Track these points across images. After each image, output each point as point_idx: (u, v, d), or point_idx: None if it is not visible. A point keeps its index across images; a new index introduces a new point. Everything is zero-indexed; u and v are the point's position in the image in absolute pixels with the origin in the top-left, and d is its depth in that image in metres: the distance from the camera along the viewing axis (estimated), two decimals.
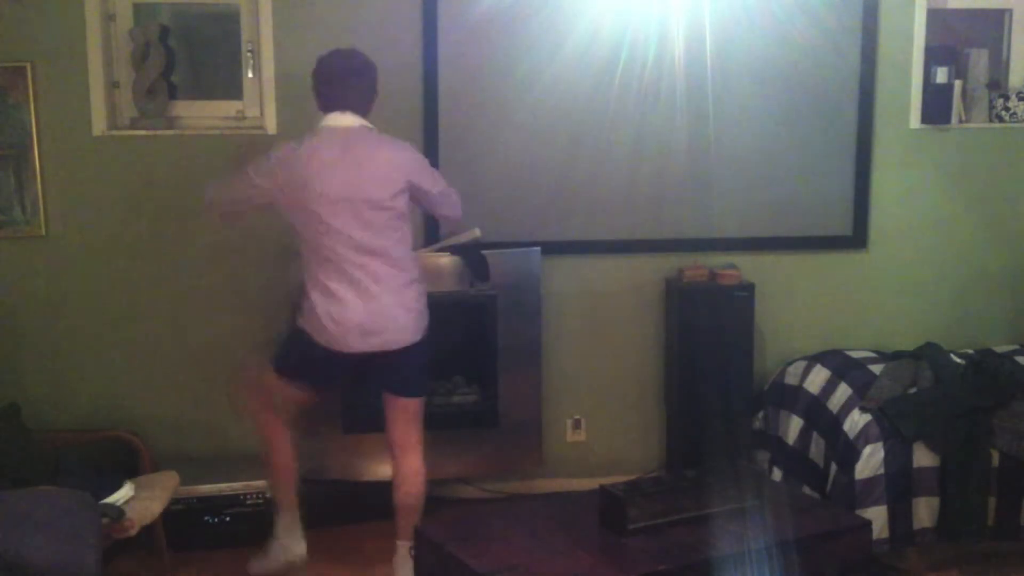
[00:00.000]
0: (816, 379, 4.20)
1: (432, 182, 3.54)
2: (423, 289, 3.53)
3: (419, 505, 3.60)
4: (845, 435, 3.83)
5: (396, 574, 3.64)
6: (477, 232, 4.19)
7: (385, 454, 4.04)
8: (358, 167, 3.35)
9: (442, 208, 3.65)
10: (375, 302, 3.37)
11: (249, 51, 4.23)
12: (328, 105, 3.43)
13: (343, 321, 3.36)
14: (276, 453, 3.61)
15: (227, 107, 4.28)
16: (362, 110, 3.45)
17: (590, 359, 4.52)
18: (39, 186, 4.11)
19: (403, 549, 3.60)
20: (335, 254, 3.35)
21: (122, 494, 3.33)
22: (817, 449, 4.03)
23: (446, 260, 4.17)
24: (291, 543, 3.66)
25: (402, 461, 3.59)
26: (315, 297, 3.38)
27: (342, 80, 3.42)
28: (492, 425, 4.28)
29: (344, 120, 3.41)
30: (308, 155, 3.35)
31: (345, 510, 4.21)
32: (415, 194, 3.50)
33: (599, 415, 4.55)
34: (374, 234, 3.36)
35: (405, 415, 3.58)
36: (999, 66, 4.68)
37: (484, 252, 4.13)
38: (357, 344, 3.39)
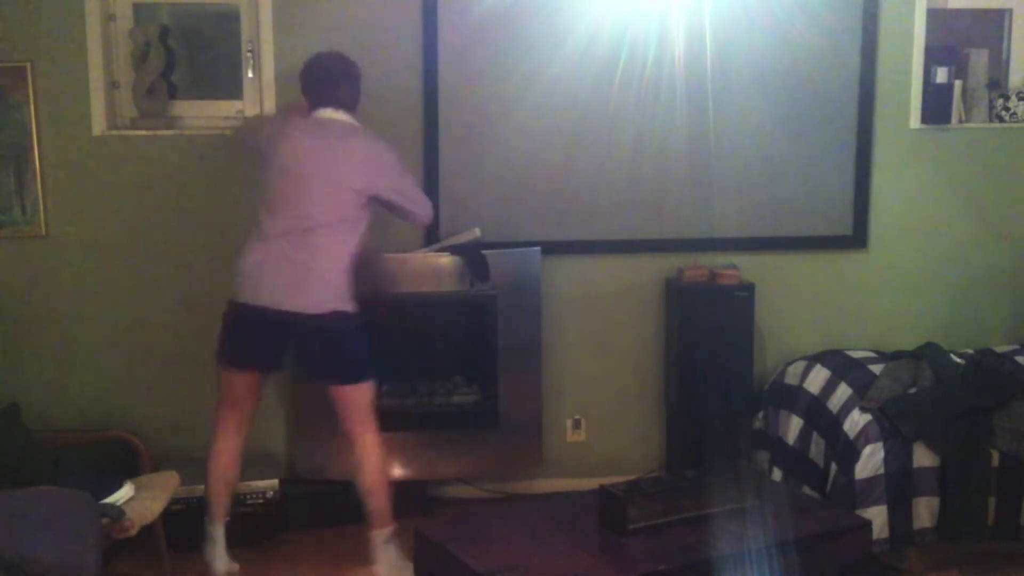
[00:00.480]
0: (816, 379, 4.20)
1: (399, 182, 3.65)
2: (343, 279, 3.54)
3: (377, 488, 3.60)
4: (845, 435, 3.83)
5: (377, 566, 3.63)
6: (477, 232, 4.19)
7: (385, 454, 4.04)
8: (329, 149, 3.54)
9: (409, 212, 3.73)
10: (299, 268, 3.47)
11: (249, 51, 4.23)
12: (317, 104, 3.64)
13: (264, 276, 3.48)
14: (215, 456, 3.61)
15: (227, 107, 4.28)
16: (349, 108, 3.66)
17: (590, 359, 4.51)
18: (39, 186, 4.11)
19: (377, 539, 3.61)
20: (283, 219, 3.49)
21: (122, 494, 3.33)
22: (817, 449, 4.03)
23: (446, 260, 4.17)
24: (213, 559, 3.62)
25: (353, 447, 3.61)
26: (249, 249, 3.53)
27: (328, 81, 3.65)
28: (492, 425, 4.28)
29: (333, 115, 3.62)
30: (292, 128, 3.61)
31: (345, 510, 4.20)
32: (381, 193, 3.59)
33: (599, 415, 4.55)
34: (322, 212, 3.49)
35: (344, 403, 3.59)
36: (999, 66, 4.67)
37: (484, 252, 4.13)
38: (268, 299, 3.47)
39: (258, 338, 3.55)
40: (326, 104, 3.62)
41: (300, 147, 3.55)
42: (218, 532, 3.62)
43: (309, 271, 3.47)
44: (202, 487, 3.89)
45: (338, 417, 3.61)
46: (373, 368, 3.64)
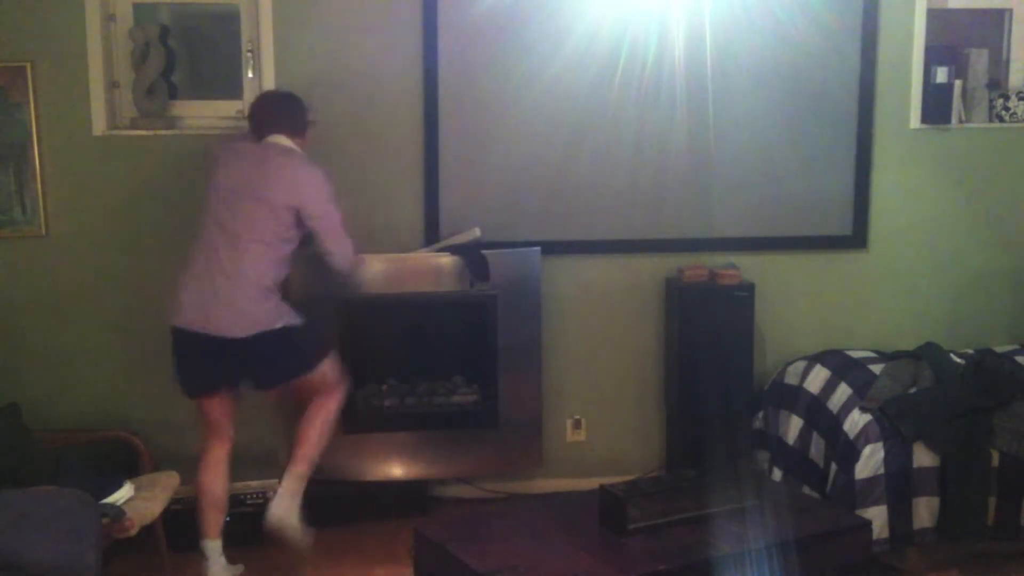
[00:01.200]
0: (816, 379, 4.20)
1: (325, 209, 3.60)
2: (268, 297, 3.53)
3: (312, 438, 3.63)
4: (845, 435, 3.83)
5: (275, 501, 3.61)
6: (477, 232, 4.19)
7: (384, 454, 4.05)
8: (259, 166, 3.56)
9: (328, 247, 3.65)
10: (224, 290, 3.47)
11: (249, 51, 4.23)
12: (261, 134, 3.67)
13: (195, 300, 3.49)
14: (201, 472, 3.62)
15: (227, 107, 4.28)
16: (291, 133, 3.68)
17: (590, 359, 4.52)
18: (39, 186, 4.11)
19: (285, 482, 3.61)
20: (214, 237, 3.51)
21: (122, 494, 3.33)
22: (817, 449, 4.03)
23: (446, 260, 4.17)
24: (221, 570, 3.62)
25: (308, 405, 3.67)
26: (185, 272, 3.55)
27: (269, 110, 3.70)
28: (492, 425, 4.28)
29: (273, 138, 3.65)
30: (228, 148, 3.68)
31: (345, 510, 4.20)
32: (306, 211, 3.55)
33: (599, 415, 4.55)
34: (249, 230, 3.49)
35: (302, 391, 3.65)
36: (999, 66, 4.67)
37: (484, 252, 4.13)
38: (200, 324, 3.48)
39: (204, 361, 3.56)
40: (268, 131, 3.64)
41: (234, 166, 3.59)
42: (212, 549, 3.61)
43: (234, 292, 3.46)
44: None
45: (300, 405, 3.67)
46: (322, 350, 3.67)
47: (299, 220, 3.56)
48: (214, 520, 3.61)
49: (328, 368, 3.69)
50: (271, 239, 3.52)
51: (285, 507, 3.57)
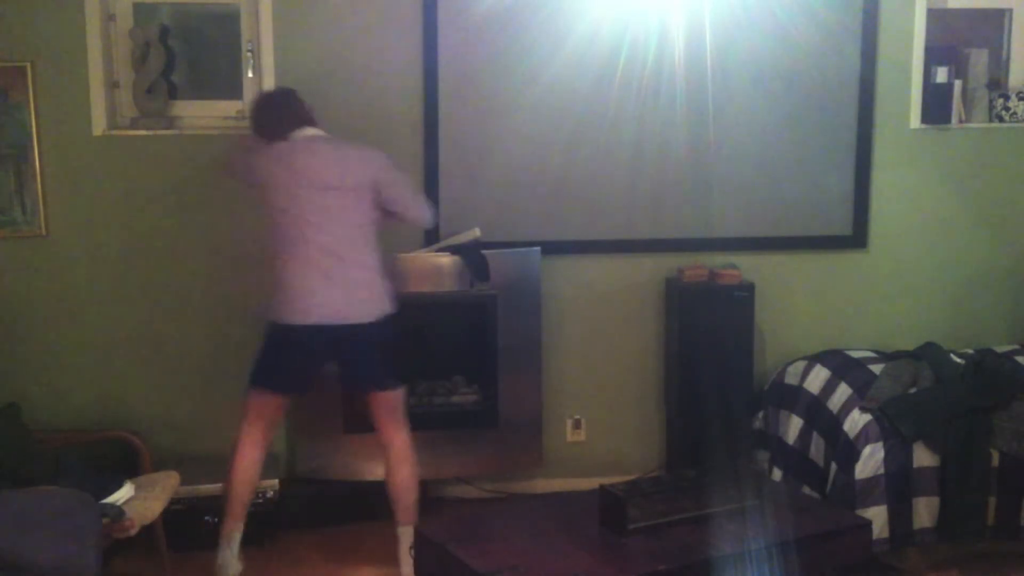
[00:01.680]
0: (816, 379, 4.20)
1: (396, 180, 3.68)
2: (380, 280, 3.62)
3: (412, 486, 3.68)
4: (845, 435, 3.83)
5: (402, 567, 3.65)
6: (477, 232, 4.19)
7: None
8: (321, 159, 3.58)
9: (407, 206, 3.73)
10: (341, 282, 3.52)
11: (249, 51, 4.23)
12: (283, 132, 3.64)
13: (314, 296, 3.50)
14: (239, 460, 3.63)
15: (227, 107, 4.29)
16: (312, 124, 3.68)
17: (590, 359, 4.52)
18: (39, 186, 4.11)
19: (405, 535, 3.64)
20: (307, 237, 3.52)
21: (122, 494, 3.33)
22: (817, 449, 4.03)
23: (446, 260, 4.17)
24: (225, 561, 3.61)
25: (388, 448, 3.69)
26: (285, 273, 3.54)
27: (282, 107, 3.69)
28: (492, 425, 4.28)
29: (305, 132, 3.64)
30: (275, 153, 3.61)
31: (345, 510, 4.21)
32: (383, 186, 3.62)
33: (599, 415, 4.55)
34: (338, 222, 3.54)
35: (382, 408, 3.68)
36: (999, 66, 4.67)
37: (484, 252, 4.13)
38: (321, 316, 3.50)
39: (306, 358, 3.61)
40: (292, 127, 3.63)
41: (294, 167, 3.56)
42: (235, 537, 3.62)
43: (352, 282, 3.54)
44: (202, 487, 3.93)
45: (374, 419, 3.70)
46: (399, 372, 3.75)
47: (376, 197, 3.61)
48: (244, 505, 3.64)
49: (401, 395, 3.74)
50: (364, 221, 3.60)
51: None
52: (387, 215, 3.71)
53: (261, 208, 3.64)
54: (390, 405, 3.68)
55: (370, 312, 3.57)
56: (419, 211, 3.77)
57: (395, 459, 3.67)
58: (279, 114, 3.67)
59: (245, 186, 3.74)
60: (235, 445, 3.64)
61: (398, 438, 3.68)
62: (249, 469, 3.63)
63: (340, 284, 3.52)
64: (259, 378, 3.61)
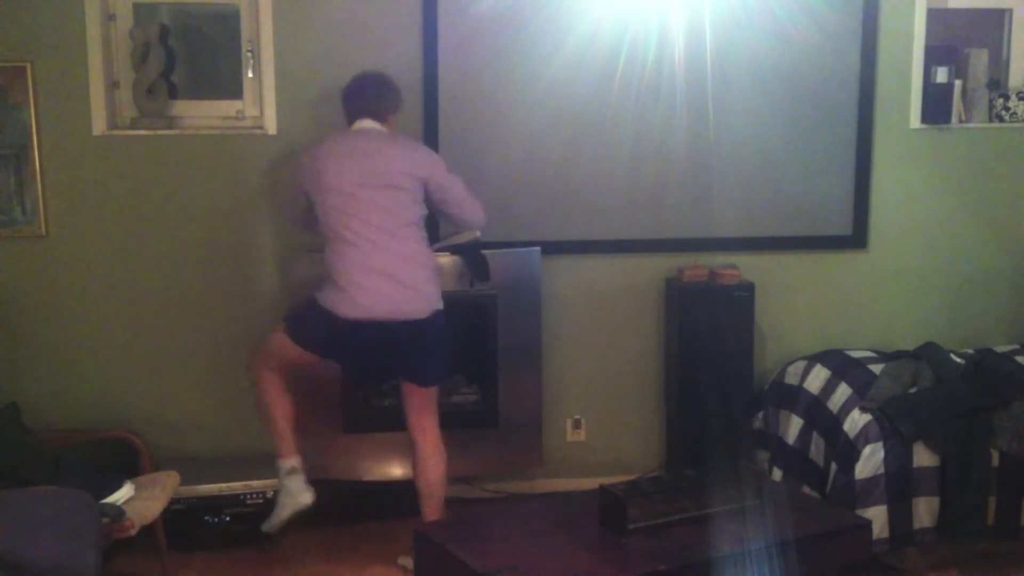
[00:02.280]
0: (816, 379, 4.20)
1: (447, 180, 3.74)
2: (435, 276, 3.70)
3: (442, 481, 3.75)
4: (845, 435, 3.83)
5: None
6: (477, 232, 4.19)
7: (384, 454, 4.05)
8: (366, 156, 3.62)
9: (462, 210, 3.83)
10: (396, 279, 3.58)
11: (249, 51, 4.23)
12: (352, 117, 3.75)
13: (368, 293, 3.55)
14: (276, 405, 3.69)
15: (227, 107, 4.28)
16: (379, 118, 3.74)
17: (590, 359, 4.52)
18: (39, 186, 4.11)
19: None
20: (359, 235, 3.57)
21: (122, 494, 3.33)
22: (817, 449, 4.03)
23: (446, 260, 4.16)
24: (297, 490, 3.70)
25: (420, 443, 3.74)
26: (339, 270, 3.58)
27: (360, 95, 3.76)
28: (492, 425, 4.28)
29: (362, 124, 3.72)
30: (324, 151, 3.66)
31: (345, 510, 4.21)
32: (429, 190, 3.70)
33: (599, 415, 4.55)
34: (390, 218, 3.59)
35: (418, 402, 3.74)
36: (999, 66, 4.67)
37: (484, 252, 4.13)
38: (376, 312, 3.56)
39: (356, 350, 3.66)
40: (358, 116, 3.72)
41: (343, 166, 3.60)
42: (299, 463, 3.71)
43: (406, 278, 3.59)
44: (202, 487, 3.92)
45: (406, 411, 3.76)
46: (451, 369, 3.84)
47: (425, 196, 3.67)
48: (293, 434, 3.71)
49: (437, 391, 3.81)
50: (416, 219, 3.66)
51: None
52: (442, 216, 3.81)
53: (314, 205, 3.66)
54: (425, 400, 3.74)
55: (421, 309, 3.61)
56: (472, 213, 3.84)
57: (427, 454, 3.72)
58: (356, 98, 3.74)
59: (308, 204, 3.71)
60: (264, 388, 3.69)
61: (431, 433, 3.74)
62: (288, 401, 3.70)
63: (395, 282, 3.57)
64: (305, 339, 3.64)
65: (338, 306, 3.56)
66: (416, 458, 3.74)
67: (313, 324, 3.64)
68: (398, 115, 3.82)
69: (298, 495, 3.69)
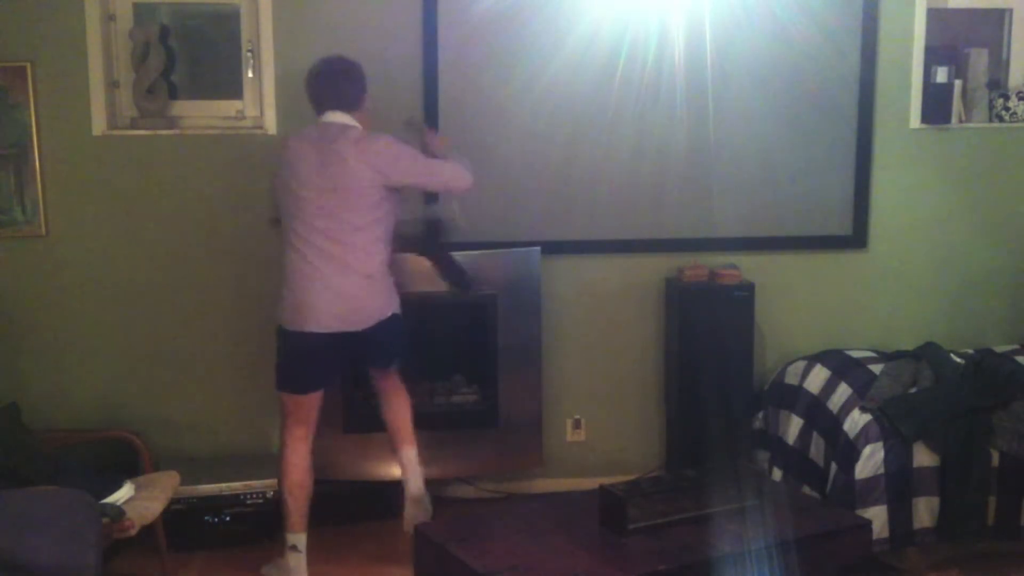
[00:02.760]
0: (816, 379, 4.20)
1: (410, 168, 3.61)
2: (384, 284, 3.64)
3: (408, 414, 3.84)
4: (845, 435, 3.83)
5: (408, 481, 3.80)
6: (455, 207, 3.96)
7: (384, 454, 4.04)
8: (319, 155, 3.52)
9: (437, 186, 3.82)
10: (341, 289, 3.52)
11: (249, 51, 4.23)
12: (319, 108, 3.64)
13: (314, 302, 3.50)
14: (294, 472, 3.65)
15: (227, 107, 4.29)
16: (347, 108, 3.62)
17: (590, 359, 4.52)
18: (39, 186, 4.11)
19: (411, 453, 3.81)
20: (311, 239, 3.51)
21: (122, 494, 3.33)
22: (817, 449, 4.03)
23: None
24: (295, 570, 3.65)
25: (384, 389, 3.84)
26: (290, 276, 3.56)
27: (326, 83, 3.64)
28: (492, 425, 4.28)
29: (332, 117, 3.61)
30: (289, 149, 3.60)
31: (345, 510, 4.20)
32: (400, 181, 3.60)
33: (599, 415, 4.55)
34: (341, 222, 3.51)
35: (388, 381, 3.83)
36: (999, 66, 4.67)
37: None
38: (324, 324, 3.52)
39: (322, 360, 3.62)
40: (327, 107, 3.61)
41: (301, 164, 3.53)
42: (302, 543, 3.65)
43: (353, 288, 3.53)
44: (202, 487, 3.92)
45: (377, 384, 3.83)
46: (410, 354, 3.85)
47: (387, 192, 3.57)
48: (305, 511, 3.66)
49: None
50: (366, 224, 3.53)
51: (422, 480, 3.83)
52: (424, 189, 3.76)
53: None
54: (395, 379, 3.82)
55: (372, 318, 3.57)
56: (454, 182, 3.70)
57: (390, 392, 3.81)
58: (315, 93, 3.63)
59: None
60: (282, 450, 3.68)
61: (392, 381, 3.81)
62: (301, 469, 3.64)
63: (340, 292, 3.51)
64: (283, 382, 3.63)
65: (286, 319, 3.55)
66: (383, 402, 3.84)
67: (285, 359, 3.62)
68: (367, 98, 3.68)
69: (291, 573, 3.64)
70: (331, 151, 3.51)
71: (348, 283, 3.52)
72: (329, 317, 3.51)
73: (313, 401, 3.64)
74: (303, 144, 3.56)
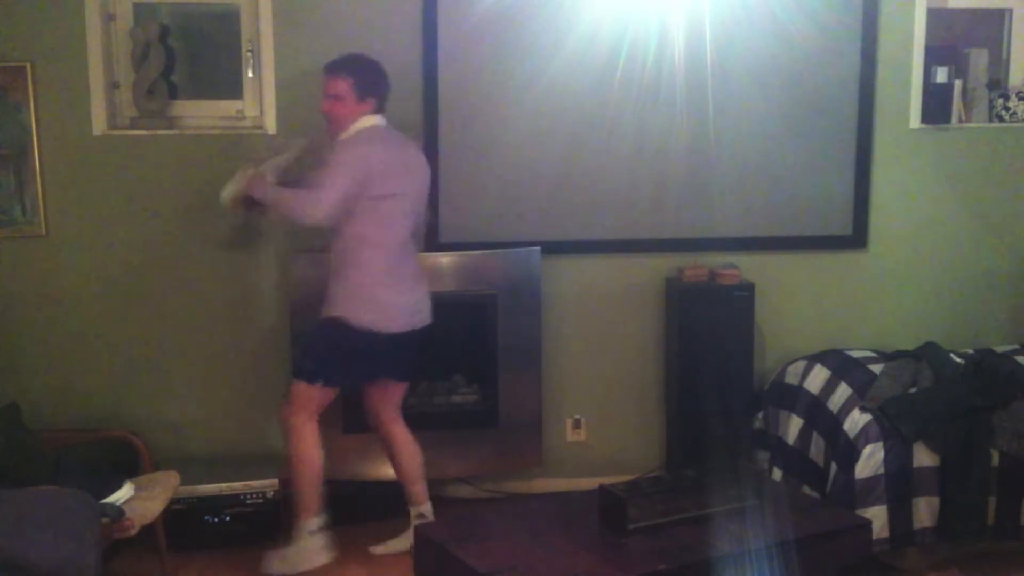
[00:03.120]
0: (816, 379, 4.20)
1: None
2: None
3: (419, 469, 3.87)
4: (845, 435, 3.83)
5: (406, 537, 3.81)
6: (302, 142, 3.94)
7: (384, 454, 4.04)
8: (407, 163, 3.73)
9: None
10: (417, 286, 3.75)
11: (249, 51, 4.23)
12: (379, 106, 3.71)
13: (403, 304, 3.68)
14: (310, 459, 3.68)
15: (227, 107, 4.28)
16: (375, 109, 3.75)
17: (590, 359, 4.51)
18: (39, 186, 4.11)
19: (429, 507, 3.86)
20: (396, 240, 3.66)
21: (122, 494, 3.33)
22: (817, 449, 4.03)
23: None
24: (316, 550, 3.68)
25: (393, 439, 3.87)
26: (375, 284, 3.63)
27: (384, 82, 3.74)
28: (492, 425, 4.28)
29: (382, 119, 3.73)
30: (374, 153, 3.62)
31: (345, 510, 4.20)
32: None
33: (599, 415, 4.55)
34: (413, 223, 3.74)
35: (393, 400, 3.87)
36: (999, 66, 4.67)
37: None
38: (408, 323, 3.69)
39: (389, 357, 3.71)
40: (382, 108, 3.72)
41: (397, 167, 3.67)
42: (324, 522, 3.73)
43: (421, 287, 3.77)
44: (202, 487, 3.92)
45: (379, 409, 3.85)
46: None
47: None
48: (321, 494, 3.74)
49: None
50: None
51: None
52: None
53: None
54: (398, 397, 3.85)
55: (427, 315, 3.77)
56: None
57: (404, 443, 3.84)
58: (382, 87, 3.71)
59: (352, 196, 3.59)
60: (300, 441, 3.68)
61: (400, 426, 3.86)
62: (321, 459, 3.71)
63: (416, 290, 3.74)
64: (339, 378, 3.69)
65: (367, 320, 3.60)
66: (395, 453, 3.84)
67: (351, 357, 3.65)
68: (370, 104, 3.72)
69: (315, 557, 3.68)
70: (410, 155, 3.74)
71: (423, 281, 3.77)
72: (409, 315, 3.68)
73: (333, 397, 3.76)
74: (387, 147, 3.66)
